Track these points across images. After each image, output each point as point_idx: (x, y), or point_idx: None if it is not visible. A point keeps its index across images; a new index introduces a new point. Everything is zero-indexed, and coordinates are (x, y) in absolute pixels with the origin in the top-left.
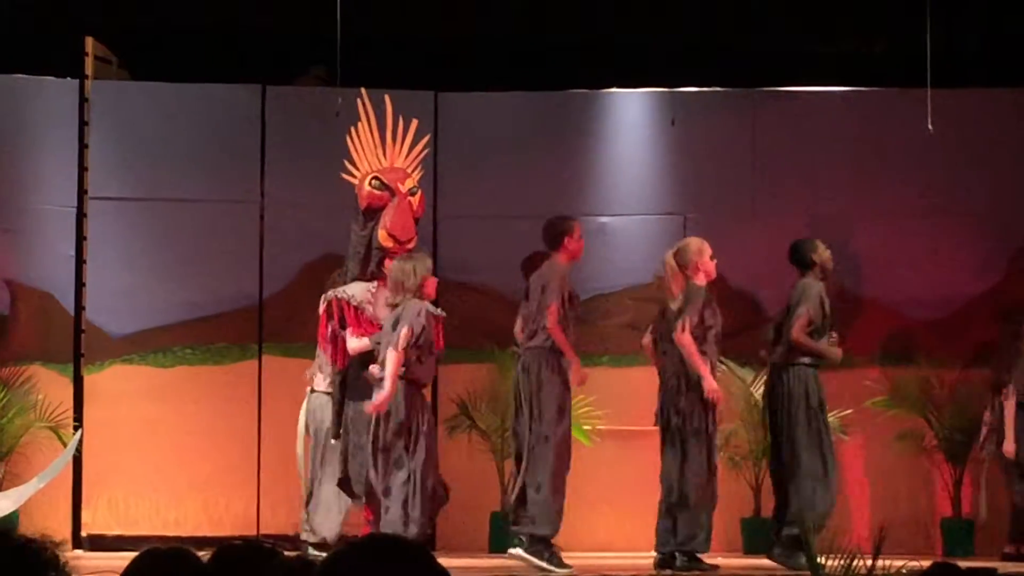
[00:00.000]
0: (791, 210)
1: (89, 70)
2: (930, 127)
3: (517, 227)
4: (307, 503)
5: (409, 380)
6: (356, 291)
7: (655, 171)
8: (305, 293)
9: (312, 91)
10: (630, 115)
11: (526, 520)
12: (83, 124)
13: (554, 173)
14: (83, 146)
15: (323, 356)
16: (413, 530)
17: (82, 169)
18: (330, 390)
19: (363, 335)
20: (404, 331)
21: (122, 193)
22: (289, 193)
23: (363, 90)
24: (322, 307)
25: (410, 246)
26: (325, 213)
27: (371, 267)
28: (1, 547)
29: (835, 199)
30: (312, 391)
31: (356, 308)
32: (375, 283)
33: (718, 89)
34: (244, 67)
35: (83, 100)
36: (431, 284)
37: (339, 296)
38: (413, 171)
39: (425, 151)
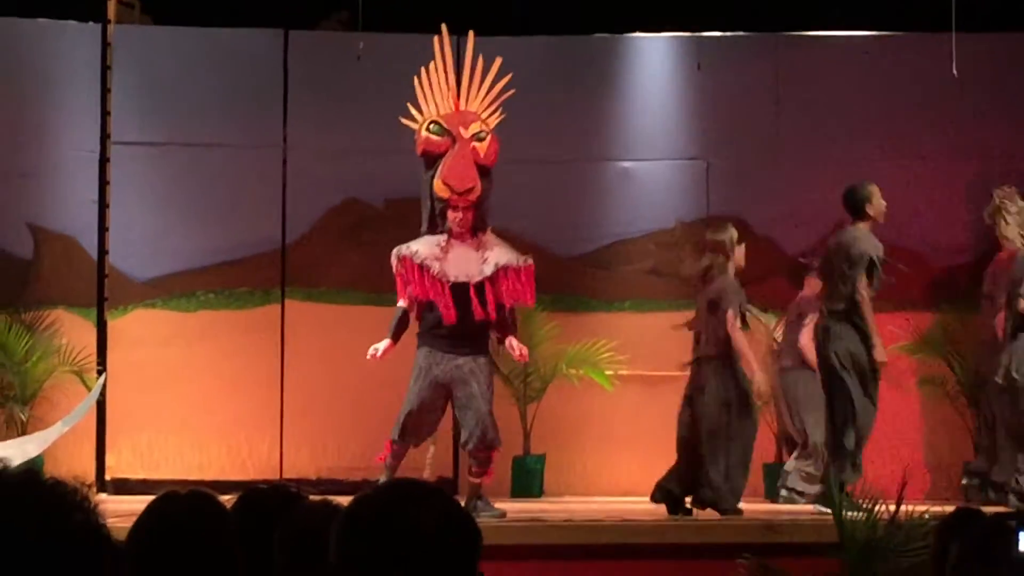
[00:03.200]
0: (814, 155)
1: (111, 15)
2: (955, 71)
3: (538, 172)
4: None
5: None
6: (421, 246)
7: (678, 116)
8: (328, 238)
9: (334, 36)
10: (654, 60)
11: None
12: (105, 69)
13: (577, 118)
14: (105, 91)
15: None
16: None
17: (104, 114)
18: None
19: (425, 295)
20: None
21: (145, 138)
22: (312, 138)
23: (443, 26)
24: (393, 262)
25: (471, 197)
26: (348, 158)
27: (436, 220)
28: (30, 489)
29: (858, 144)
30: None
31: (420, 266)
32: (444, 237)
33: (742, 34)
34: (266, 12)
35: (105, 45)
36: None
37: (402, 253)
38: (490, 115)
39: (508, 93)
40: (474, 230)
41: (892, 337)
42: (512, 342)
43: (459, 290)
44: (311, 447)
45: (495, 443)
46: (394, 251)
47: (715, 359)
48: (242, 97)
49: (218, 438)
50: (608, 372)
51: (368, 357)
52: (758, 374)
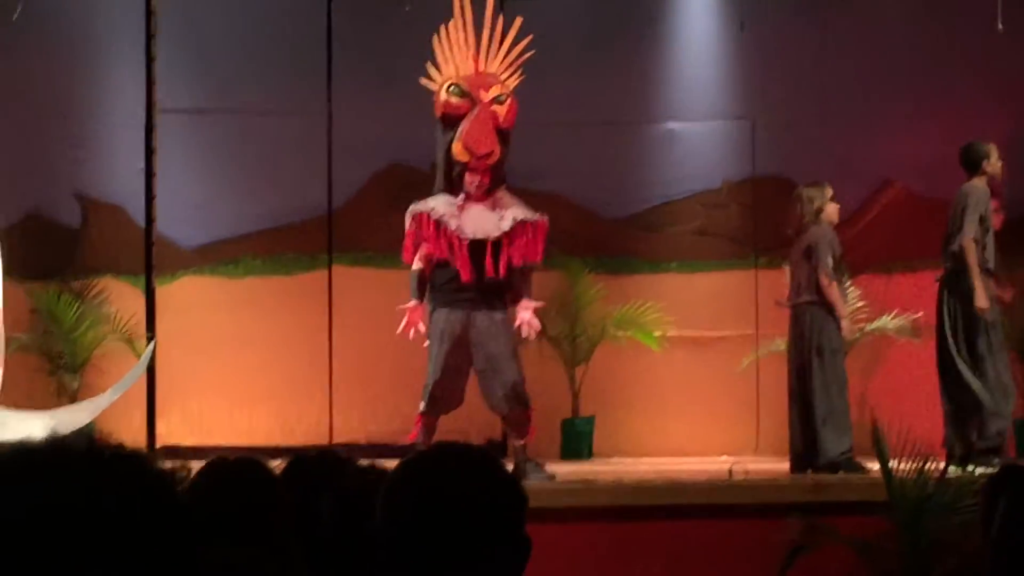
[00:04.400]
0: (861, 114)
1: None
2: (1000, 26)
3: (583, 134)
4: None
5: None
6: (438, 203)
7: (723, 75)
8: (374, 203)
9: None
10: (698, 18)
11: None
12: (149, 37)
13: (619, 78)
14: (150, 59)
15: None
16: None
17: (150, 83)
18: None
19: (441, 253)
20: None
21: (190, 105)
22: (357, 102)
23: None
24: (407, 221)
25: (490, 160)
26: (393, 122)
27: (454, 182)
28: (134, 464)
29: (905, 101)
30: None
31: (437, 222)
32: (461, 196)
33: None
34: None
35: (149, 12)
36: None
37: (420, 209)
38: (509, 77)
39: (528, 54)
40: (490, 191)
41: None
42: (523, 312)
43: (476, 248)
44: (360, 411)
45: (527, 401)
46: (409, 208)
47: (813, 304)
48: (286, 62)
49: (267, 404)
50: (656, 333)
51: (408, 333)
52: (845, 321)
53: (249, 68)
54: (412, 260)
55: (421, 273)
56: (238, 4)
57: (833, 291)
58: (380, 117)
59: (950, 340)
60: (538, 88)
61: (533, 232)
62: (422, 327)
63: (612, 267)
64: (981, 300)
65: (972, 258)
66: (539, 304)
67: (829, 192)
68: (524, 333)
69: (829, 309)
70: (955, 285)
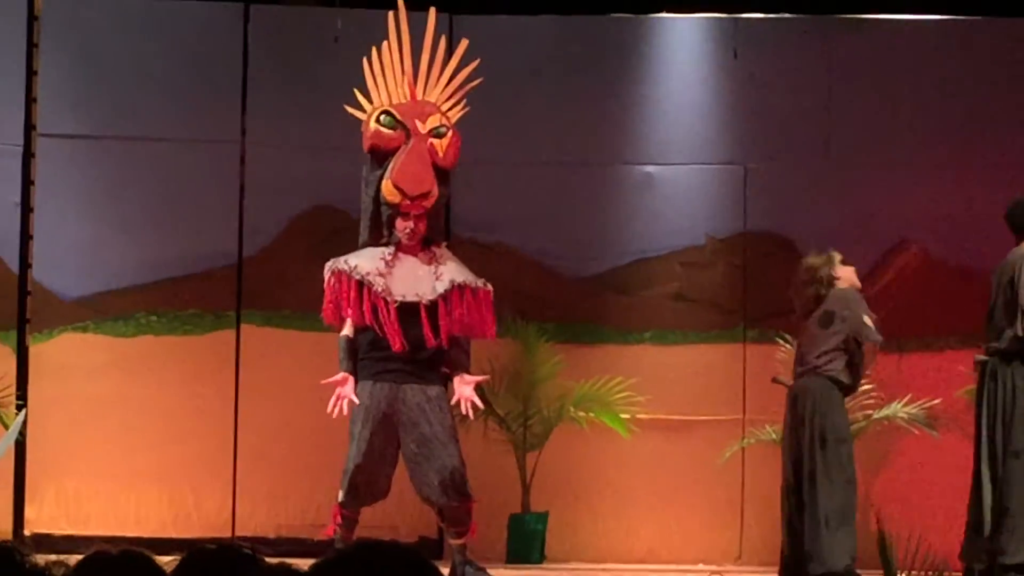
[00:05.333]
0: (872, 160)
1: None
2: None
3: (544, 176)
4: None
5: None
6: (361, 260)
7: (711, 112)
8: (292, 251)
9: (305, 11)
10: (683, 45)
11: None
12: (32, 47)
13: (590, 113)
14: (31, 73)
15: None
16: None
17: (30, 100)
18: None
19: (362, 319)
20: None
21: (77, 130)
22: (275, 132)
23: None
24: (326, 276)
25: (426, 203)
26: (317, 156)
27: (383, 229)
28: None
29: (925, 146)
30: None
31: (359, 282)
32: (390, 249)
33: (787, 16)
34: None
35: (32, 18)
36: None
37: (339, 267)
38: (452, 107)
39: (475, 81)
40: (426, 242)
41: (960, 380)
42: (462, 387)
43: (406, 312)
44: (269, 499)
45: (468, 492)
46: (328, 264)
47: (817, 379)
48: (193, 83)
49: (159, 487)
50: (624, 416)
51: (336, 411)
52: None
53: (149, 89)
54: (334, 320)
55: (349, 341)
56: (138, 13)
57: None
58: (303, 149)
59: (984, 435)
60: (488, 121)
61: (475, 300)
62: (356, 399)
63: (573, 335)
64: None
65: None
66: (482, 378)
67: (836, 258)
68: (463, 411)
69: (840, 387)
70: (1004, 372)
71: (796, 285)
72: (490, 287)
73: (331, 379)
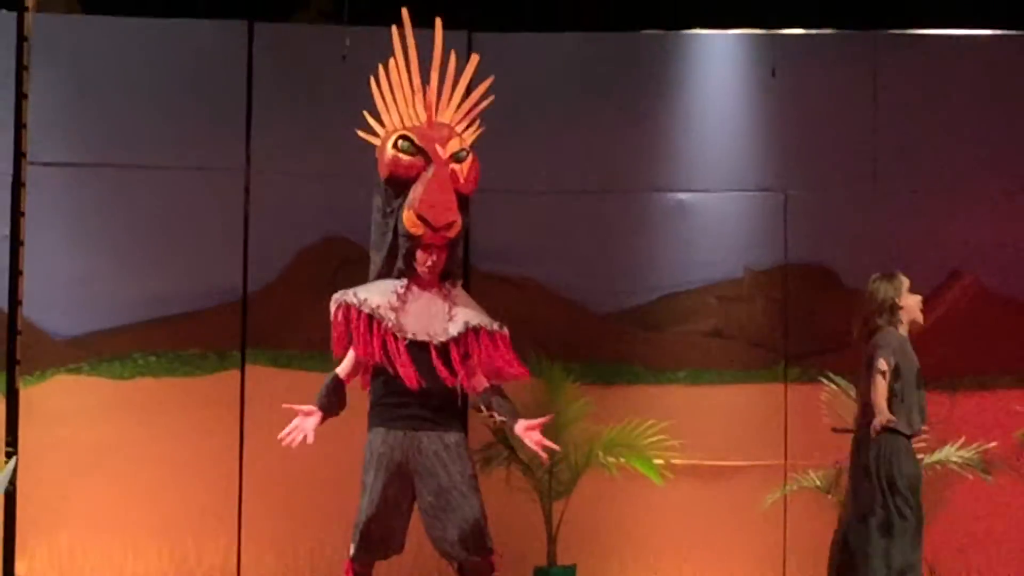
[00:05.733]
0: (922, 186)
1: (31, 1)
2: None
3: (569, 204)
4: None
5: None
6: (371, 294)
7: (748, 135)
8: (300, 286)
9: (312, 30)
10: (717, 63)
11: None
12: (21, 69)
13: (618, 137)
14: (21, 97)
15: None
16: None
17: (20, 126)
18: None
19: (372, 356)
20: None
21: (70, 157)
22: (282, 158)
23: (404, 11)
24: (332, 311)
25: (450, 234)
26: (327, 183)
27: (398, 262)
28: None
29: (979, 171)
30: None
31: (369, 316)
32: (403, 282)
33: (830, 31)
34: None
35: (22, 39)
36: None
37: (348, 301)
38: (466, 128)
39: (488, 100)
40: (443, 275)
41: (1017, 420)
42: (529, 433)
43: (417, 350)
44: (276, 552)
45: (490, 546)
46: (335, 296)
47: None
48: (194, 108)
49: (159, 540)
50: (657, 461)
51: (288, 440)
52: (880, 416)
53: (146, 113)
54: (344, 355)
55: (337, 380)
56: (134, 32)
57: (878, 387)
58: (312, 177)
59: None
60: (510, 145)
61: (492, 342)
62: (310, 438)
63: (602, 375)
64: None
65: None
66: (547, 419)
67: (905, 283)
68: (542, 460)
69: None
70: None
71: (857, 310)
72: (506, 330)
73: (297, 406)
